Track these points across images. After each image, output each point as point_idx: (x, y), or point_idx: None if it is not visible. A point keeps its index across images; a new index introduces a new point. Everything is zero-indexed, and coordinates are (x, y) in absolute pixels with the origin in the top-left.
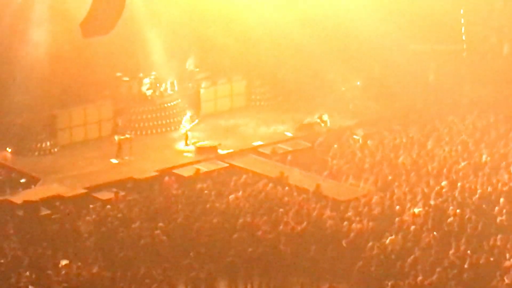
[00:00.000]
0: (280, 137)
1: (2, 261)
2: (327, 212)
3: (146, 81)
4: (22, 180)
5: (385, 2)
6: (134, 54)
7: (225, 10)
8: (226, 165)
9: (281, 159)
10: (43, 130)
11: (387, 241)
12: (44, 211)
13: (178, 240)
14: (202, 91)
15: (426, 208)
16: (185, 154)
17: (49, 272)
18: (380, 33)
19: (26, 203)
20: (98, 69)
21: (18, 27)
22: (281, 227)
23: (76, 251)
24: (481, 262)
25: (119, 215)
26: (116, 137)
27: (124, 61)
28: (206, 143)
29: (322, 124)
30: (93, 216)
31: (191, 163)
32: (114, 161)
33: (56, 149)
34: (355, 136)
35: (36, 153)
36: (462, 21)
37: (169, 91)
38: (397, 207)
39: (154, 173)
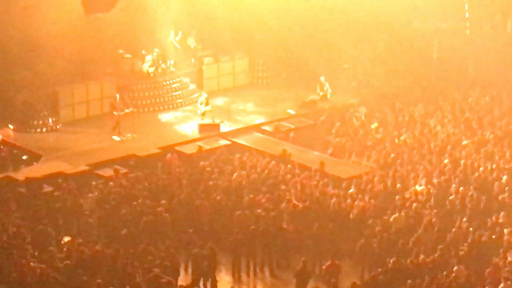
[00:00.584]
0: (283, 115)
1: (4, 237)
2: (330, 190)
3: (148, 58)
4: (24, 157)
5: None
6: (137, 31)
7: None
8: (229, 142)
9: (283, 137)
10: (45, 107)
11: (390, 219)
12: (47, 188)
13: (180, 217)
14: (204, 68)
15: (429, 186)
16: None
17: (52, 249)
18: (384, 11)
19: (29, 180)
20: (101, 46)
21: (20, 4)
22: (283, 204)
23: (79, 228)
24: (483, 239)
25: (122, 192)
26: (115, 113)
27: (126, 38)
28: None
29: (320, 92)
30: (96, 193)
31: (193, 141)
32: (116, 138)
33: (58, 126)
34: (357, 114)
35: (39, 130)
36: None
37: (171, 69)
38: (399, 185)
39: (156, 151)
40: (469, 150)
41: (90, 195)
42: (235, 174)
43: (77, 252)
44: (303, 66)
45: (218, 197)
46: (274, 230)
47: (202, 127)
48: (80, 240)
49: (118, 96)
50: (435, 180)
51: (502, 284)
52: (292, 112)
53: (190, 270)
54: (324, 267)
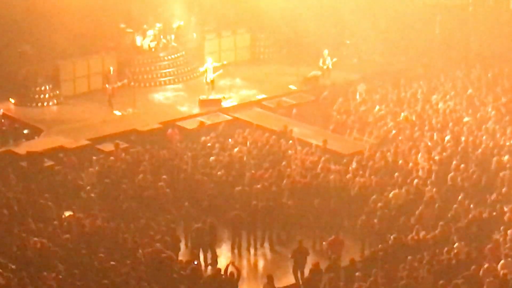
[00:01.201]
0: (284, 91)
1: (5, 211)
2: (331, 166)
3: (150, 33)
4: (26, 131)
5: None
6: (138, 5)
7: None
8: (230, 118)
9: (285, 112)
10: (46, 81)
11: (391, 195)
12: (47, 162)
13: (181, 193)
14: (206, 43)
15: (430, 162)
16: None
17: (53, 223)
18: None
19: (30, 154)
20: (102, 20)
21: None
22: (284, 180)
23: (80, 203)
24: (484, 216)
25: (123, 166)
26: (107, 86)
27: (128, 13)
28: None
29: (324, 66)
30: (96, 168)
31: (195, 116)
32: (117, 113)
33: (59, 100)
34: (358, 90)
35: (40, 104)
36: None
37: (173, 43)
38: (401, 161)
39: (157, 126)
40: (470, 126)
41: (91, 169)
42: (236, 150)
43: (78, 227)
44: (305, 42)
45: (219, 173)
46: (274, 206)
47: (203, 103)
48: (81, 215)
49: (112, 68)
50: (436, 157)
51: (502, 261)
52: (293, 87)
53: (190, 245)
54: (325, 242)
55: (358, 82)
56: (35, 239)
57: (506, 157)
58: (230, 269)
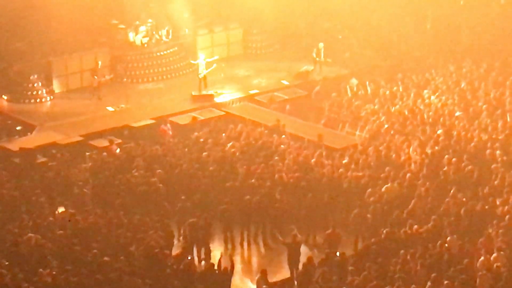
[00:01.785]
0: (277, 85)
1: None
2: (324, 160)
3: (142, 28)
4: (18, 128)
5: None
6: (131, 1)
7: None
8: (223, 113)
9: (278, 107)
10: (39, 77)
11: (383, 189)
12: (41, 159)
13: (174, 188)
14: (198, 38)
15: (423, 156)
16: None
17: (46, 219)
18: None
19: (22, 150)
20: (95, 16)
21: None
22: (277, 175)
23: (73, 199)
24: (476, 209)
25: (116, 162)
26: (95, 78)
27: (120, 9)
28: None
29: (317, 59)
30: (89, 164)
31: (187, 111)
32: (110, 108)
33: (52, 97)
34: (349, 85)
35: (33, 101)
36: None
37: (165, 39)
38: (394, 155)
39: (150, 121)
40: (462, 121)
41: (84, 165)
42: (229, 145)
43: (71, 223)
44: (297, 37)
45: (211, 168)
46: (267, 201)
47: (196, 98)
48: (74, 211)
49: (100, 62)
50: (428, 151)
51: (495, 254)
52: (286, 83)
53: (184, 240)
54: (319, 236)
55: (350, 76)
56: (29, 235)
57: (498, 151)
58: (223, 262)
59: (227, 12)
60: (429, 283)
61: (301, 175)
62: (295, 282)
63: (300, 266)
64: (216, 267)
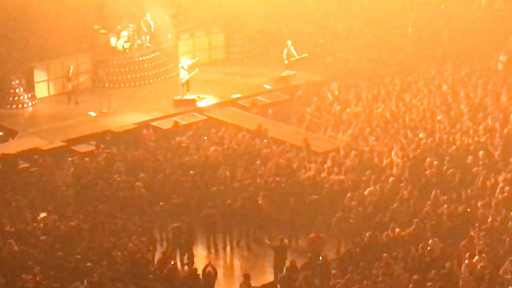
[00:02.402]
0: (259, 90)
1: None
2: (306, 164)
3: (124, 34)
4: (0, 133)
5: None
6: (112, 6)
7: None
8: (205, 117)
9: (260, 111)
10: (20, 83)
11: (366, 192)
12: (23, 164)
13: (157, 193)
14: (180, 43)
15: (404, 159)
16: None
17: (29, 225)
18: None
19: (4, 156)
20: (76, 21)
21: None
22: (259, 179)
23: (55, 204)
24: (458, 212)
25: (98, 167)
26: (69, 85)
27: (102, 14)
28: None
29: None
30: (72, 169)
31: (169, 116)
32: (92, 114)
33: (34, 102)
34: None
35: (14, 106)
36: None
37: (147, 44)
38: (376, 159)
39: (132, 126)
40: (443, 124)
41: (66, 171)
42: (211, 149)
43: (54, 228)
44: (279, 41)
45: (194, 172)
46: (250, 205)
47: (178, 103)
48: (56, 216)
49: (72, 67)
50: (410, 154)
51: (476, 257)
52: (268, 87)
53: (167, 245)
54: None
55: (332, 80)
56: (11, 241)
57: (480, 153)
58: (209, 268)
59: (209, 16)
60: (411, 286)
61: (283, 179)
62: (278, 286)
63: (284, 270)
64: (200, 272)
